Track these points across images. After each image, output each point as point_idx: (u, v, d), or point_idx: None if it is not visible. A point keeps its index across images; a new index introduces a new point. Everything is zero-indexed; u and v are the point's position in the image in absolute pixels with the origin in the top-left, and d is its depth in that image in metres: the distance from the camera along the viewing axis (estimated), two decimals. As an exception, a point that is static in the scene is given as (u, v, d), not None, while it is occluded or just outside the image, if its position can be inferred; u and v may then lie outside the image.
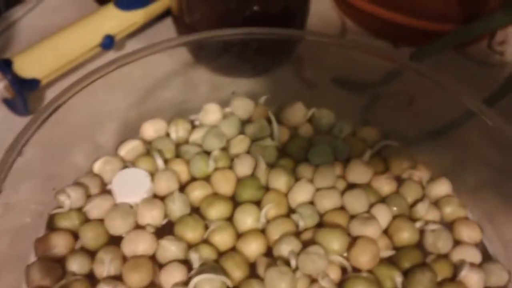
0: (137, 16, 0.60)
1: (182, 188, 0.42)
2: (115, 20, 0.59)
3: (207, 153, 0.44)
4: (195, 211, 0.41)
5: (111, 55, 0.60)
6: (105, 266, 0.36)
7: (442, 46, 0.55)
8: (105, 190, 0.42)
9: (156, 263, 0.38)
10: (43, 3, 0.66)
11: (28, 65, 0.53)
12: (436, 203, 0.43)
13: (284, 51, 0.57)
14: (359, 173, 0.42)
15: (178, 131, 0.45)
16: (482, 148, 0.45)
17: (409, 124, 0.50)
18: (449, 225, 0.42)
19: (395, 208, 0.41)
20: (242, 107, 0.46)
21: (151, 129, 0.44)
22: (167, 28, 0.63)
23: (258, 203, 0.41)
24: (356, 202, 0.40)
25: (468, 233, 0.41)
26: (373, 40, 0.66)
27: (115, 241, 0.39)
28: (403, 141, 0.48)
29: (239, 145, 0.44)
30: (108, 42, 0.58)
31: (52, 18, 0.65)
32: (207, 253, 0.38)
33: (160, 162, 0.41)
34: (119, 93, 0.45)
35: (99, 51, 0.59)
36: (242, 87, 0.52)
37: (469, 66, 0.63)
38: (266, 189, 0.43)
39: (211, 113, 0.45)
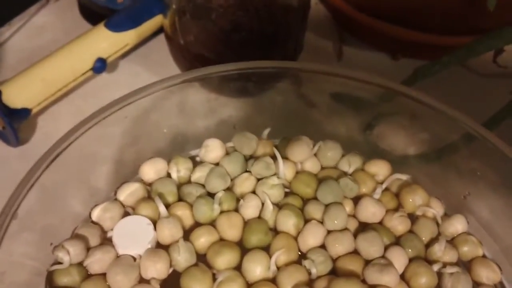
0: (129, 37, 0.58)
1: (186, 233, 0.40)
2: (106, 43, 0.57)
3: (211, 194, 0.41)
4: (201, 257, 0.39)
5: (103, 77, 0.58)
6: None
7: (446, 64, 0.53)
8: (105, 238, 0.39)
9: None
10: (29, 24, 0.64)
11: (18, 95, 0.51)
12: (452, 241, 0.41)
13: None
14: (371, 212, 0.41)
15: (180, 170, 0.43)
16: (489, 175, 0.44)
17: (410, 146, 0.48)
18: (465, 263, 0.41)
19: (410, 250, 0.39)
20: (245, 143, 0.44)
21: (151, 170, 0.42)
22: (159, 45, 0.62)
23: (266, 248, 0.39)
24: (371, 246, 0.39)
25: (486, 274, 0.40)
26: (371, 53, 0.64)
27: (118, 297, 0.36)
28: (404, 165, 0.46)
29: (244, 184, 0.42)
30: (100, 66, 0.56)
31: (39, 38, 0.63)
32: (216, 307, 0.36)
33: (162, 209, 0.39)
34: (111, 127, 0.43)
35: (90, 75, 0.56)
36: (239, 108, 0.50)
37: (472, 79, 0.61)
38: (274, 229, 0.40)
39: (213, 150, 0.44)
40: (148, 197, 0.42)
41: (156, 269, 0.37)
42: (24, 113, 0.52)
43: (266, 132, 0.45)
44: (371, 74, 0.45)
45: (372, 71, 0.54)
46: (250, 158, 0.45)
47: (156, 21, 0.61)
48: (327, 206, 0.41)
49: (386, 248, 0.39)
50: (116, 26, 0.58)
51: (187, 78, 0.43)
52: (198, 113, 0.49)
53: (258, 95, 0.51)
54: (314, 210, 0.41)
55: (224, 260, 0.38)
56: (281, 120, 0.50)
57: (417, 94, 0.44)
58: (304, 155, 0.44)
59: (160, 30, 0.62)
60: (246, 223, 0.41)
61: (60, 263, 0.37)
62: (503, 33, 0.51)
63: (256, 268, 0.38)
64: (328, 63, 0.63)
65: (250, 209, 0.41)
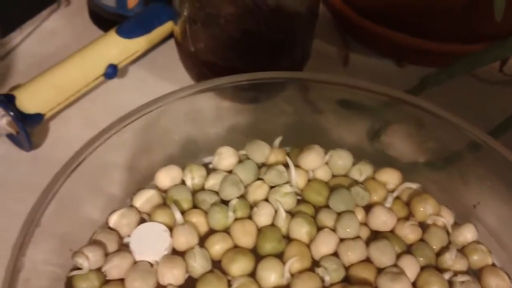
0: (140, 44, 0.59)
1: (201, 240, 0.40)
2: (118, 49, 0.57)
3: (225, 201, 0.42)
4: (216, 264, 0.40)
5: (112, 82, 0.58)
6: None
7: (452, 74, 0.54)
8: (122, 244, 0.40)
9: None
10: (39, 29, 0.65)
11: (32, 100, 0.52)
12: (462, 250, 0.41)
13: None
14: (382, 220, 0.41)
15: (194, 178, 0.44)
16: (496, 184, 0.44)
17: (418, 154, 0.49)
18: (475, 272, 0.41)
19: (421, 259, 0.40)
20: (258, 150, 0.45)
21: (166, 177, 0.43)
22: (168, 50, 0.62)
23: (279, 255, 0.40)
24: (383, 255, 0.39)
25: (496, 282, 0.40)
26: (376, 59, 0.65)
27: (136, 302, 0.37)
28: (413, 173, 0.47)
29: (257, 192, 0.43)
30: (112, 71, 0.57)
31: (50, 43, 0.63)
32: (231, 313, 0.37)
33: (178, 216, 0.40)
34: (124, 134, 0.43)
35: (101, 80, 0.57)
36: (248, 115, 0.51)
37: (478, 87, 0.62)
38: (287, 237, 0.41)
39: (227, 158, 0.44)
40: (164, 204, 0.42)
41: (173, 275, 0.38)
42: (37, 118, 0.53)
43: (278, 140, 0.46)
44: (378, 84, 0.46)
45: (377, 78, 0.55)
46: (262, 166, 0.45)
47: (166, 27, 0.61)
48: (339, 214, 0.42)
49: (397, 256, 0.40)
50: (128, 33, 0.58)
51: (201, 89, 0.44)
52: (208, 120, 0.50)
53: (265, 101, 0.52)
54: (326, 218, 0.42)
55: (239, 267, 0.39)
56: (290, 128, 0.50)
57: (424, 103, 0.44)
58: (316, 164, 0.45)
59: (168, 36, 0.63)
60: (259, 231, 0.41)
61: (79, 268, 0.38)
62: (509, 43, 0.52)
63: (271, 276, 0.39)
64: (334, 70, 0.64)
65: (263, 216, 0.42)
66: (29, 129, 0.52)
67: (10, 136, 0.53)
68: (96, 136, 0.39)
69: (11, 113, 0.51)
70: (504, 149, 0.41)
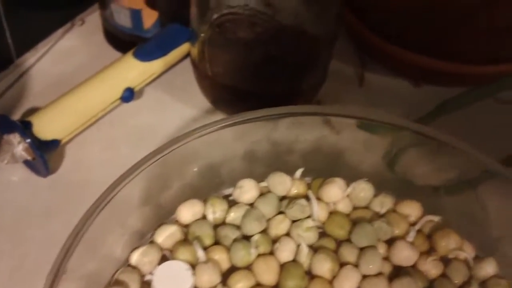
0: (157, 66, 0.59)
1: (223, 276, 0.40)
2: (135, 72, 0.57)
3: (246, 236, 0.42)
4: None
5: (127, 104, 0.58)
6: None
7: (474, 98, 0.54)
8: (143, 282, 0.40)
9: None
10: (54, 48, 0.64)
11: (49, 127, 0.52)
12: (483, 284, 0.41)
13: (306, 97, 0.56)
14: (405, 255, 0.41)
15: (215, 212, 0.43)
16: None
17: (437, 180, 0.49)
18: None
19: (444, 295, 0.40)
20: (280, 183, 0.45)
21: (188, 213, 0.43)
22: (183, 71, 0.62)
23: (302, 292, 0.40)
24: (407, 292, 0.39)
25: (519, 318, 0.40)
26: (392, 79, 0.64)
27: None
28: (433, 202, 0.47)
29: (279, 226, 0.43)
30: (128, 95, 0.56)
31: (64, 63, 0.63)
32: None
33: (201, 254, 0.40)
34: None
35: (118, 104, 0.57)
36: (264, 134, 0.50)
37: (497, 108, 0.61)
38: (309, 272, 0.41)
39: (247, 191, 0.44)
40: (185, 240, 0.42)
41: (198, 317, 0.38)
42: (54, 144, 0.52)
43: (299, 172, 0.46)
44: (391, 115, 0.46)
45: (393, 98, 0.55)
46: (283, 198, 0.45)
47: (182, 49, 0.61)
48: (361, 249, 0.42)
49: (421, 293, 0.40)
50: (145, 56, 0.58)
51: (235, 121, 0.43)
52: (225, 148, 0.49)
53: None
54: (348, 253, 0.42)
55: (262, 306, 0.39)
56: (308, 155, 0.50)
57: (432, 132, 0.44)
58: (338, 197, 0.45)
59: (184, 56, 0.63)
60: (282, 267, 0.41)
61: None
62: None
63: (294, 314, 0.38)
64: (350, 90, 0.64)
65: (285, 252, 0.42)
66: (46, 155, 0.52)
67: (26, 162, 0.53)
68: (125, 174, 0.39)
69: (28, 140, 0.50)
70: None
